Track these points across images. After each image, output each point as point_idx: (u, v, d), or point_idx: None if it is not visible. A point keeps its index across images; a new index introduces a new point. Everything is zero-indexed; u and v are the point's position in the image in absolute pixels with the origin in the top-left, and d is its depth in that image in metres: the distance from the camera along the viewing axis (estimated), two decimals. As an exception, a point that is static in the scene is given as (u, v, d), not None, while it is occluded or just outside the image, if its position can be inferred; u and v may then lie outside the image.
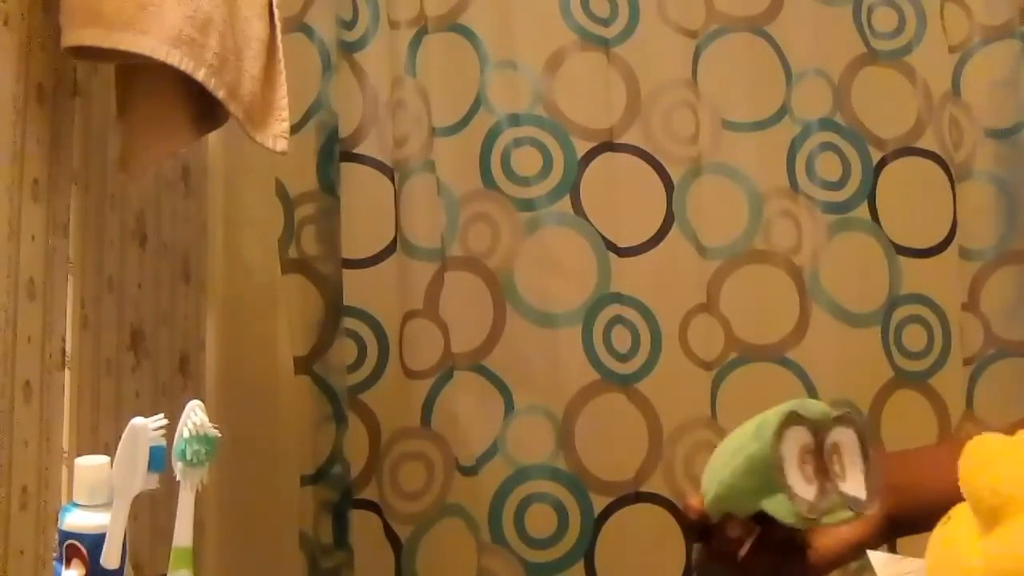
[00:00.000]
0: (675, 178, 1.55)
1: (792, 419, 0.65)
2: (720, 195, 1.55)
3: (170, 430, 0.78)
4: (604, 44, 1.56)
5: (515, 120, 1.53)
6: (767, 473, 0.63)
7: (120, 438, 0.77)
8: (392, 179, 1.53)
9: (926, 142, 1.57)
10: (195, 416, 0.78)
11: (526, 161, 1.53)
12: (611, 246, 1.53)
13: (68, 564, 0.76)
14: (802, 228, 1.55)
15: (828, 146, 1.56)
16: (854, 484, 0.66)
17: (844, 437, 0.66)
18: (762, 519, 0.69)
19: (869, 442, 0.67)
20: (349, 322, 1.52)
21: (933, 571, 0.54)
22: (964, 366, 1.57)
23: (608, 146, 1.54)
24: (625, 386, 1.52)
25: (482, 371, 1.51)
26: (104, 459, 0.79)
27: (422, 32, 1.54)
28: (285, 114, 1.16)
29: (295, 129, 1.36)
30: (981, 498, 0.52)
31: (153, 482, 0.78)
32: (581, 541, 1.50)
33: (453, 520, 1.51)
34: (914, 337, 1.56)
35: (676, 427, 1.52)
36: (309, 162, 1.51)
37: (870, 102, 1.58)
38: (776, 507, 0.64)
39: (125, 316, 1.18)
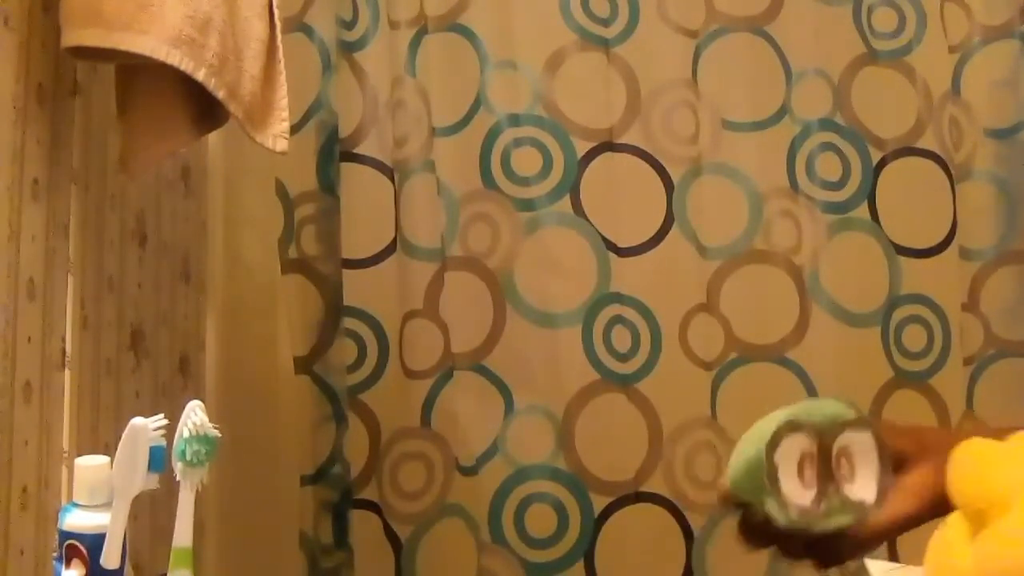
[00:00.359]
0: (675, 178, 1.55)
1: (789, 428, 0.65)
2: (720, 195, 1.56)
3: (170, 430, 0.78)
4: (604, 44, 1.56)
5: (515, 120, 1.53)
6: (763, 478, 0.64)
7: (120, 438, 0.77)
8: (392, 179, 1.53)
9: (926, 142, 1.57)
10: (195, 416, 0.78)
11: (526, 161, 1.53)
12: (611, 246, 1.53)
13: (68, 564, 0.76)
14: (802, 228, 1.56)
15: (828, 146, 1.56)
16: (863, 486, 0.66)
17: (856, 440, 0.66)
18: None
19: (885, 444, 0.66)
20: (349, 322, 1.52)
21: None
22: (964, 366, 1.57)
23: (608, 146, 1.54)
24: (625, 386, 1.52)
25: (482, 371, 1.51)
26: (104, 459, 0.79)
27: (422, 32, 1.54)
28: (285, 114, 1.16)
29: (295, 129, 1.35)
30: (969, 502, 0.53)
31: (153, 482, 0.78)
32: (581, 541, 1.50)
33: (453, 520, 1.51)
34: (914, 337, 1.56)
35: (676, 427, 1.52)
36: (309, 162, 1.52)
37: (870, 102, 1.58)
38: (772, 510, 0.64)
39: (125, 316, 1.18)
